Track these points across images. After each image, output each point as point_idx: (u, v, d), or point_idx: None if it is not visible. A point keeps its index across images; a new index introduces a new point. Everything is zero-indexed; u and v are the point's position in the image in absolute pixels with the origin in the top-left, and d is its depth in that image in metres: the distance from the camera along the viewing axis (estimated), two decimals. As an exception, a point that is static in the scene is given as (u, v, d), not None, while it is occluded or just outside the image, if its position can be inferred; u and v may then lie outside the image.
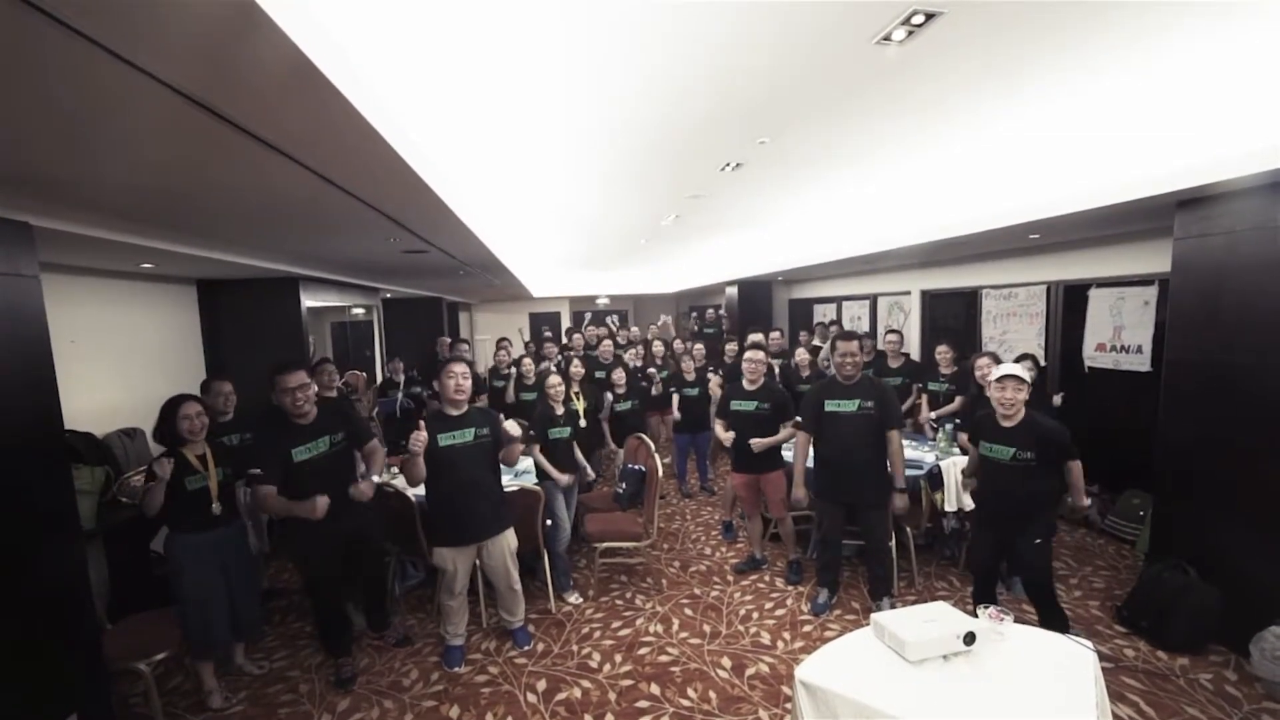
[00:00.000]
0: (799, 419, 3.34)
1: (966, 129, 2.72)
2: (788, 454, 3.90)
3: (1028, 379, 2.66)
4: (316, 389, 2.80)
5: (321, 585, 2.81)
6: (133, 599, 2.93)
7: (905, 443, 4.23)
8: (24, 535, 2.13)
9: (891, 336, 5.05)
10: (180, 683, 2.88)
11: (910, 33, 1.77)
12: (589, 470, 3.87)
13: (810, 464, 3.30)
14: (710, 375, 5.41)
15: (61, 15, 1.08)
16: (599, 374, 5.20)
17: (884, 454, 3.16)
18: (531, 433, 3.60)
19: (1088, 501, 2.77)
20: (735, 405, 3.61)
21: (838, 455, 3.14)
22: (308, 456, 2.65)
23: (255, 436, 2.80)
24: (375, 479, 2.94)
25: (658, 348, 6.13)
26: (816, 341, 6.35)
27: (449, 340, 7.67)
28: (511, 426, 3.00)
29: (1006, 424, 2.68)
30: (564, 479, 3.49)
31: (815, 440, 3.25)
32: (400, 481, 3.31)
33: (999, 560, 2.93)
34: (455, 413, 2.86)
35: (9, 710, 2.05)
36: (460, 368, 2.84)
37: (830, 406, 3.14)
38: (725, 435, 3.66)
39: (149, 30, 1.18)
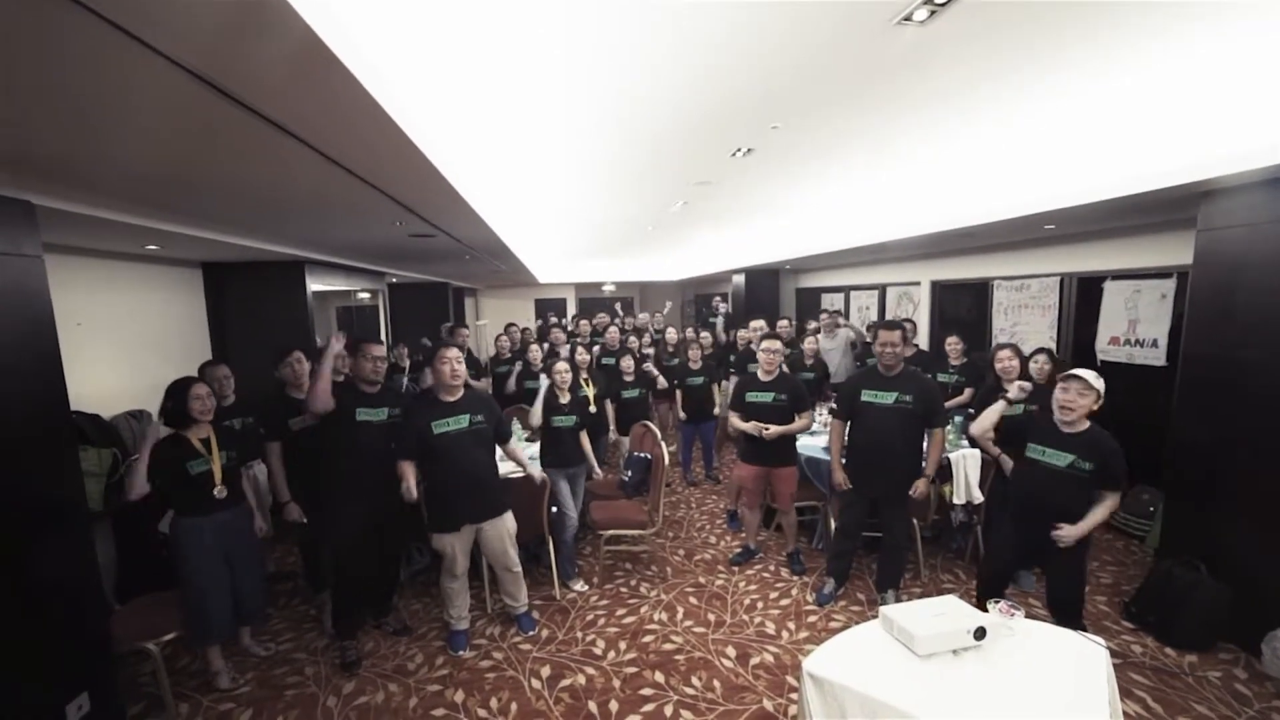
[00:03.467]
0: (834, 406, 3.28)
1: (986, 115, 2.65)
2: (799, 447, 3.87)
3: (1097, 387, 2.43)
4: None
5: (351, 566, 2.84)
6: (141, 580, 2.96)
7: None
8: (32, 517, 2.14)
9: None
10: (188, 663, 2.90)
11: (932, 12, 1.70)
12: (596, 470, 3.76)
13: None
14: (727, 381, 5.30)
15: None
16: (606, 361, 5.17)
17: (917, 450, 3.06)
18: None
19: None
20: (751, 397, 3.53)
21: (868, 446, 3.09)
22: (367, 418, 2.82)
23: (338, 398, 2.82)
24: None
25: (671, 335, 6.12)
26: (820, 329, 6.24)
27: (450, 325, 7.63)
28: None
29: (1067, 429, 2.47)
30: (536, 474, 3.26)
31: (849, 428, 3.21)
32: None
33: (1022, 564, 2.80)
34: (450, 399, 2.84)
35: (19, 690, 2.07)
36: (454, 352, 2.83)
37: (867, 396, 3.08)
38: (747, 425, 3.45)
39: (158, 6, 1.15)
